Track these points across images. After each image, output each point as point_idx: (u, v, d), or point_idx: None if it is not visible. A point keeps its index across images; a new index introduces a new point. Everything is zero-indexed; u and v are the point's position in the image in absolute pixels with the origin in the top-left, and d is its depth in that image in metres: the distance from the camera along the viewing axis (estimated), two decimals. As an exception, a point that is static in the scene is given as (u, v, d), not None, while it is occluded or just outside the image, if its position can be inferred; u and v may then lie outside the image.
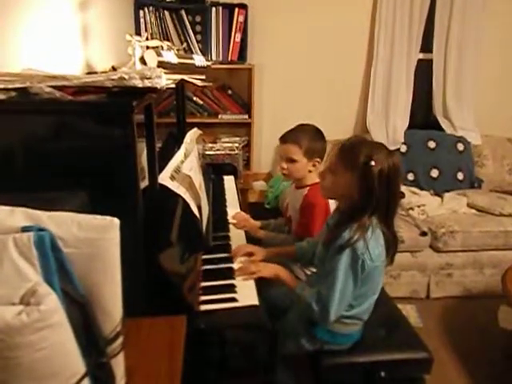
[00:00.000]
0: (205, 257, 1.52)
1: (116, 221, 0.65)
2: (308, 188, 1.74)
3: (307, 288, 1.38)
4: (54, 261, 0.57)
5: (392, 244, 1.36)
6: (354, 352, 1.45)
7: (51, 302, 0.51)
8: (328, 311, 1.30)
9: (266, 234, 1.87)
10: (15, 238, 0.56)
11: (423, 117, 3.34)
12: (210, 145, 2.97)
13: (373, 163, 1.24)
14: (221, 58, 2.79)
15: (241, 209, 2.03)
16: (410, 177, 3.00)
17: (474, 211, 2.72)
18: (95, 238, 0.63)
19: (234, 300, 1.29)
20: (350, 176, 1.28)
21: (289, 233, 1.87)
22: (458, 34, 3.01)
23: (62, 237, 0.62)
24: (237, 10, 2.73)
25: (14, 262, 0.54)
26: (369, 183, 1.25)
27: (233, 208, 2.01)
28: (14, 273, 0.53)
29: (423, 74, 3.16)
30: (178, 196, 1.30)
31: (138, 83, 0.98)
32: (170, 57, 1.60)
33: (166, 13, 2.68)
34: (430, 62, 3.12)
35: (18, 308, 0.49)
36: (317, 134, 1.74)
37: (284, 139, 1.75)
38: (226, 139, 3.07)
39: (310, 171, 1.75)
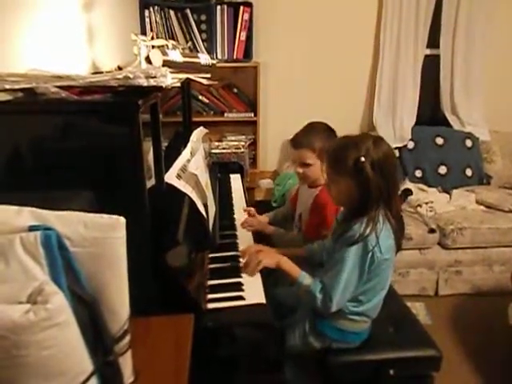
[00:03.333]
0: (212, 255, 1.52)
1: (122, 220, 0.65)
2: (320, 188, 1.71)
3: (309, 277, 1.37)
4: (60, 260, 0.58)
5: (399, 231, 1.35)
6: (363, 350, 1.45)
7: (58, 301, 0.51)
8: (331, 300, 1.30)
9: (276, 231, 1.87)
10: (22, 238, 0.56)
11: (431, 113, 3.31)
12: (216, 143, 2.97)
13: (362, 159, 1.25)
14: (226, 57, 2.79)
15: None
16: (418, 174, 2.98)
17: (482, 208, 2.69)
18: (102, 237, 0.64)
19: (241, 298, 1.29)
20: (348, 180, 1.29)
21: (299, 230, 1.86)
22: (466, 28, 2.97)
23: (68, 236, 0.62)
24: (242, 8, 2.73)
25: (21, 261, 0.55)
26: (365, 179, 1.26)
27: (240, 207, 2.01)
28: (21, 272, 0.54)
29: (430, 69, 3.14)
30: (185, 195, 1.30)
31: (143, 82, 0.98)
32: (176, 56, 1.60)
33: (171, 12, 2.68)
34: (437, 57, 3.09)
35: (26, 307, 0.49)
36: (328, 132, 1.68)
37: (296, 144, 1.70)
38: (232, 138, 3.07)
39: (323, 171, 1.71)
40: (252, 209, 1.97)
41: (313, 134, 1.67)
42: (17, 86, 0.95)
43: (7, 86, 0.95)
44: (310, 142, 1.65)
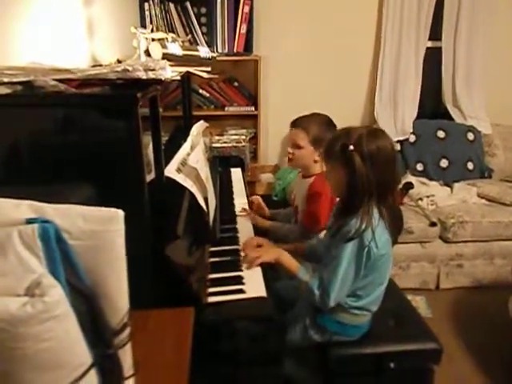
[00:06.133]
0: (212, 249, 1.52)
1: (121, 212, 0.65)
2: (314, 177, 1.73)
3: (308, 273, 1.37)
4: (58, 253, 0.57)
5: (395, 227, 1.34)
6: (364, 343, 1.45)
7: (56, 294, 0.51)
8: (329, 296, 1.30)
9: (273, 224, 1.87)
10: (20, 230, 0.56)
11: (432, 106, 3.30)
12: (217, 137, 2.96)
13: (351, 147, 1.24)
14: (226, 50, 2.77)
15: (248, 202, 2.02)
16: (419, 167, 2.97)
17: (484, 201, 2.69)
18: (100, 229, 0.63)
19: (241, 292, 1.29)
20: (337, 168, 1.29)
21: (295, 223, 1.86)
22: (468, 20, 2.95)
23: (67, 229, 0.61)
24: (242, 0, 2.70)
25: (18, 253, 0.54)
26: (352, 168, 1.24)
27: (240, 200, 2.00)
28: (19, 264, 0.53)
29: (432, 62, 3.12)
30: (185, 189, 1.30)
31: (142, 75, 0.97)
32: (175, 49, 1.59)
33: (171, 5, 2.67)
34: (439, 49, 3.07)
35: (23, 299, 0.49)
36: (328, 124, 1.70)
37: (294, 123, 1.75)
38: (233, 131, 3.05)
39: (315, 161, 1.72)
40: (258, 197, 1.98)
41: (313, 120, 1.71)
42: (15, 80, 0.95)
43: (6, 80, 0.94)
44: (307, 125, 1.69)
